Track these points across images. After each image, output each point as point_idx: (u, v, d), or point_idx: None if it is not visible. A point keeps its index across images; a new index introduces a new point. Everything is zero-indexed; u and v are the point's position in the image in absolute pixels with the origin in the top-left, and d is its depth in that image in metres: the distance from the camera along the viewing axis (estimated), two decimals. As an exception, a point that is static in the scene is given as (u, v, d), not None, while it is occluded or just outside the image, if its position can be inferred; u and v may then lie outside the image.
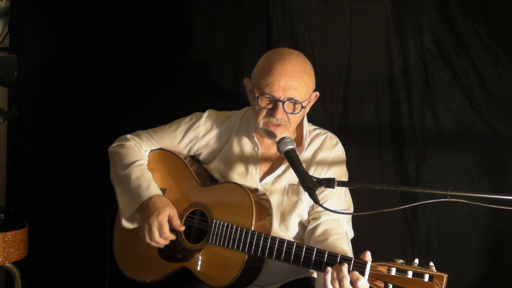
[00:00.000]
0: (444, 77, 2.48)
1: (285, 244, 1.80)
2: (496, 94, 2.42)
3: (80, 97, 2.84)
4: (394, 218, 2.52)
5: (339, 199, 2.02)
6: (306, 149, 2.06)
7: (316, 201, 1.71)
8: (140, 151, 2.16)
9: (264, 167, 2.09)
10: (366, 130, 2.55)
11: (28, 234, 2.21)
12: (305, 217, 2.02)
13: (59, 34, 2.83)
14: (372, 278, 1.63)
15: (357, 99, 2.57)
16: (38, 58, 2.82)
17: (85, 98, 2.83)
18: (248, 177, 2.06)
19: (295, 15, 2.60)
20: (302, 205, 2.01)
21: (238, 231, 1.88)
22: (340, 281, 1.63)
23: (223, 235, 1.91)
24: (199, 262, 1.96)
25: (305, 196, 2.00)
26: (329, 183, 1.72)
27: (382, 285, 1.62)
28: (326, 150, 2.07)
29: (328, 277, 1.66)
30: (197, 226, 2.02)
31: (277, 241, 1.82)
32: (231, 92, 2.70)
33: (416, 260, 1.60)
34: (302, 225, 2.04)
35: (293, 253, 1.78)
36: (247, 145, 2.10)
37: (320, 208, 1.96)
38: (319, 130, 2.13)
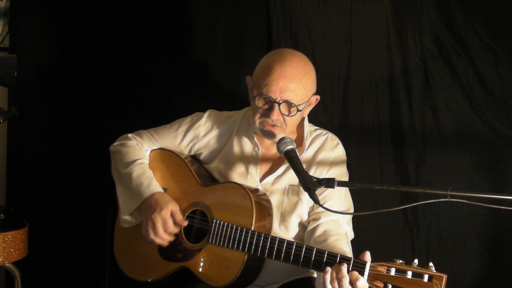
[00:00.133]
0: (444, 77, 2.48)
1: (285, 244, 1.80)
2: (496, 94, 2.42)
3: (80, 97, 2.84)
4: (394, 218, 2.52)
5: (339, 199, 2.02)
6: (306, 150, 2.06)
7: (316, 201, 1.71)
8: (141, 150, 2.16)
9: (265, 167, 2.09)
10: (366, 130, 2.55)
11: (28, 234, 2.21)
12: (305, 217, 2.02)
13: (59, 34, 2.84)
14: (372, 278, 1.63)
15: (357, 99, 2.56)
16: (38, 58, 2.82)
17: (85, 98, 2.84)
18: (248, 177, 2.06)
19: (295, 15, 2.60)
20: (302, 206, 2.01)
21: (238, 231, 1.88)
22: (339, 281, 1.63)
23: (223, 235, 1.91)
24: (199, 262, 1.96)
25: (305, 197, 2.00)
26: (329, 183, 1.72)
27: (381, 285, 1.62)
28: (326, 151, 2.06)
29: (328, 277, 1.66)
30: (197, 226, 2.02)
31: (276, 241, 1.82)
32: (231, 92, 2.70)
33: (416, 261, 1.60)
34: (302, 226, 2.04)
35: (292, 253, 1.78)
36: (247, 145, 2.10)
37: (320, 209, 1.97)
38: (320, 131, 2.13)
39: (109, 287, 2.35)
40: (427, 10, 2.48)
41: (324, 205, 1.85)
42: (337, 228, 1.95)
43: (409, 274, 1.58)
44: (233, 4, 2.69)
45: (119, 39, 2.79)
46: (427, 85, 2.49)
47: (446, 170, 2.48)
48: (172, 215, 1.96)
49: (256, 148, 2.08)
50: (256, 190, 2.01)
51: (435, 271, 1.56)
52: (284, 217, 2.01)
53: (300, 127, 2.09)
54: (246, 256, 1.87)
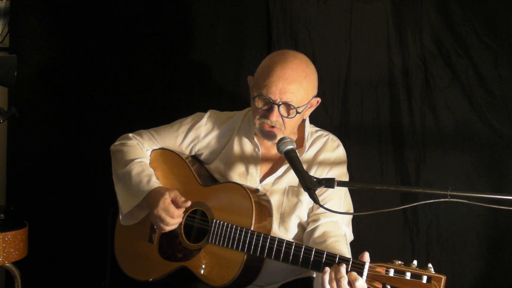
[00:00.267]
0: (444, 77, 2.48)
1: (284, 244, 1.80)
2: (496, 94, 2.42)
3: (80, 97, 2.84)
4: (394, 218, 2.52)
5: (339, 200, 2.02)
6: (307, 151, 2.06)
7: (316, 201, 1.71)
8: (142, 150, 2.17)
9: (265, 168, 2.09)
10: (366, 130, 2.55)
11: (28, 234, 2.22)
12: (304, 218, 2.02)
13: (59, 34, 2.84)
14: (370, 279, 1.63)
15: (357, 99, 2.56)
16: (38, 58, 2.83)
17: (85, 98, 2.84)
18: (248, 177, 2.06)
19: (295, 15, 2.60)
20: (302, 207, 2.01)
21: (238, 231, 1.88)
22: (338, 281, 1.63)
23: (223, 234, 1.91)
24: (199, 262, 1.96)
25: (305, 198, 2.00)
26: (329, 183, 1.72)
27: (380, 286, 1.62)
28: (327, 152, 2.06)
29: (326, 277, 1.66)
30: (197, 226, 2.02)
31: (276, 241, 1.82)
32: (231, 92, 2.70)
33: (415, 262, 1.60)
34: (302, 227, 2.04)
35: (292, 253, 1.78)
36: (247, 146, 2.10)
37: (319, 210, 1.97)
38: (321, 132, 2.12)
39: (109, 286, 2.35)
40: (427, 10, 2.48)
41: (325, 206, 1.86)
42: (336, 229, 1.95)
43: (408, 275, 1.57)
44: (233, 4, 2.70)
45: (119, 39, 2.79)
46: (427, 85, 2.49)
47: (446, 170, 2.48)
48: (173, 200, 1.96)
49: (256, 149, 2.08)
50: (257, 190, 2.01)
51: (434, 272, 1.56)
52: (283, 218, 2.01)
53: (301, 128, 2.09)
54: (245, 256, 1.87)
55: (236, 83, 2.69)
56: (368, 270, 1.64)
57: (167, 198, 1.95)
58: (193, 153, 2.19)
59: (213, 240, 1.93)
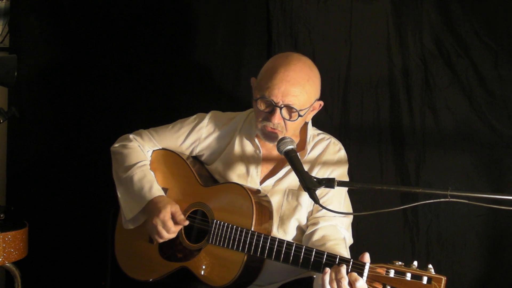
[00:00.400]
0: (444, 77, 2.48)
1: (285, 244, 1.80)
2: (496, 94, 2.42)
3: (80, 97, 2.84)
4: (394, 218, 2.52)
5: (338, 204, 2.02)
6: (308, 154, 2.05)
7: (316, 201, 1.71)
8: (142, 152, 2.16)
9: (265, 169, 2.09)
10: (366, 130, 2.55)
11: (28, 234, 2.22)
12: (303, 222, 2.02)
13: (59, 34, 2.84)
14: (371, 280, 1.63)
15: (357, 99, 2.56)
16: (38, 58, 2.83)
17: (85, 98, 2.84)
18: (248, 179, 2.06)
19: (295, 15, 2.60)
20: (301, 210, 2.01)
21: (238, 231, 1.88)
22: (339, 282, 1.63)
23: (223, 235, 1.91)
24: (199, 262, 1.96)
25: (304, 201, 2.00)
26: (329, 183, 1.72)
27: (380, 286, 1.61)
28: (328, 155, 2.06)
29: (327, 278, 1.66)
30: (198, 226, 2.02)
31: (276, 242, 1.82)
32: (231, 92, 2.70)
33: (415, 262, 1.60)
34: (300, 229, 2.04)
35: (292, 254, 1.78)
36: (249, 147, 2.10)
37: (318, 214, 1.98)
38: (322, 135, 2.12)
39: (110, 287, 2.35)
40: (427, 10, 2.48)
41: (324, 210, 1.87)
42: (335, 233, 1.95)
43: (408, 276, 1.57)
44: (233, 4, 2.69)
45: (119, 39, 2.79)
46: (427, 85, 2.49)
47: (446, 170, 2.48)
48: (172, 215, 1.96)
49: (257, 151, 2.08)
50: (258, 191, 2.00)
51: (434, 273, 1.55)
52: (282, 221, 2.02)
53: (304, 130, 2.09)
54: (245, 256, 1.87)
55: (236, 83, 2.69)
56: (369, 271, 1.64)
57: (168, 212, 1.95)
58: (194, 154, 2.19)
59: (213, 241, 1.93)
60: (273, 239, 1.83)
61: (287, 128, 1.93)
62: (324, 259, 1.72)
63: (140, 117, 2.73)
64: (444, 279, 1.54)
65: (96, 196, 2.74)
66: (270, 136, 1.95)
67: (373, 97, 2.55)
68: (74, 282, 2.82)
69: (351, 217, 2.05)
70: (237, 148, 2.10)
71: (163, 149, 2.20)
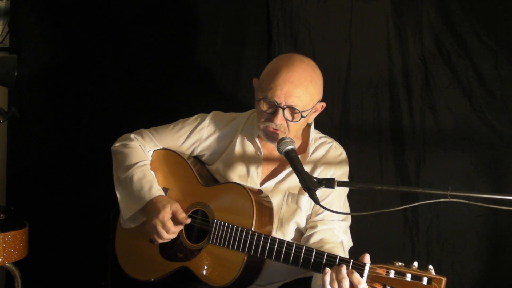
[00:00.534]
0: (444, 77, 2.48)
1: (285, 245, 1.80)
2: (496, 94, 2.42)
3: (80, 97, 2.84)
4: (394, 218, 2.52)
5: (338, 207, 2.02)
6: (310, 156, 2.05)
7: (316, 201, 1.71)
8: (143, 151, 2.16)
9: (266, 170, 2.09)
10: (366, 130, 2.55)
11: (28, 234, 2.22)
12: (302, 224, 2.02)
13: (59, 34, 2.84)
14: (371, 281, 1.63)
15: (357, 99, 2.56)
16: (38, 58, 2.83)
17: (85, 98, 2.84)
18: (249, 179, 2.06)
19: (295, 15, 2.60)
20: (300, 214, 2.01)
21: (239, 231, 1.88)
22: (340, 282, 1.63)
23: (223, 235, 1.91)
24: (200, 262, 1.96)
25: (304, 205, 2.00)
26: (329, 183, 1.72)
27: (380, 287, 1.61)
28: (330, 159, 2.06)
29: (327, 278, 1.65)
30: (198, 226, 2.02)
31: (276, 242, 1.82)
32: (231, 92, 2.70)
33: (415, 263, 1.59)
34: (299, 232, 2.04)
35: (292, 254, 1.78)
36: (250, 148, 2.10)
37: (317, 217, 1.99)
38: (324, 139, 2.12)
39: (110, 286, 2.35)
40: (427, 10, 2.48)
41: (323, 214, 1.89)
42: (332, 237, 1.95)
43: (409, 277, 1.57)
44: (233, 4, 2.69)
45: (119, 39, 2.79)
46: (427, 85, 2.49)
47: (446, 170, 2.48)
48: (174, 214, 1.96)
49: (258, 151, 2.08)
50: (259, 191, 2.00)
51: (434, 273, 1.55)
52: (281, 223, 2.02)
53: (306, 133, 2.09)
54: (246, 256, 1.87)
55: (236, 83, 2.69)
56: (369, 271, 1.63)
57: (167, 212, 1.95)
58: (195, 154, 2.19)
59: (214, 241, 1.93)
60: (273, 239, 1.83)
61: (290, 129, 1.93)
62: (324, 260, 1.72)
63: (140, 117, 2.73)
64: (444, 279, 1.53)
65: (96, 196, 2.74)
66: (272, 137, 1.95)
67: (373, 97, 2.55)
68: (74, 282, 2.82)
69: (349, 221, 2.05)
70: (238, 148, 2.10)
71: (164, 149, 2.20)
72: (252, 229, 1.87)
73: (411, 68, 2.51)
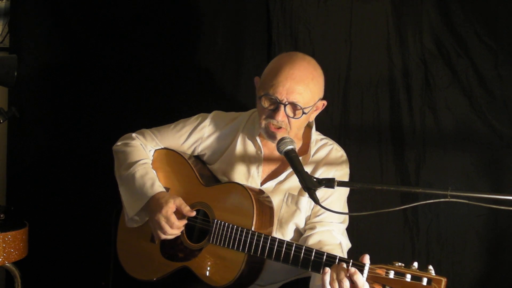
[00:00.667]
0: (444, 77, 2.48)
1: (285, 245, 1.80)
2: (496, 94, 2.42)
3: (81, 97, 2.84)
4: (394, 218, 2.52)
5: (339, 209, 2.01)
6: (311, 158, 2.05)
7: (316, 201, 1.71)
8: (145, 150, 2.17)
9: (267, 169, 2.09)
10: (366, 130, 2.55)
11: (28, 234, 2.22)
12: (301, 225, 2.02)
13: (59, 34, 2.83)
14: (370, 281, 1.63)
15: (357, 99, 2.56)
16: (38, 58, 2.83)
17: (86, 98, 2.84)
18: (249, 179, 2.06)
19: (295, 15, 2.60)
20: (300, 215, 2.01)
21: (239, 231, 1.88)
22: (340, 282, 1.63)
23: (223, 235, 1.91)
24: (200, 262, 1.96)
25: (303, 206, 2.01)
26: (329, 183, 1.72)
27: (380, 287, 1.61)
28: (331, 161, 2.06)
29: (327, 278, 1.65)
30: (199, 226, 2.02)
31: (276, 242, 1.82)
32: (231, 92, 2.70)
33: (415, 264, 1.59)
34: (298, 232, 2.04)
35: (292, 254, 1.78)
36: (250, 148, 2.10)
37: (316, 219, 1.99)
38: (326, 141, 2.12)
39: (111, 286, 2.35)
40: (427, 10, 2.48)
41: (322, 215, 1.91)
42: (331, 239, 1.95)
43: (408, 277, 1.57)
44: (233, 4, 2.69)
45: (119, 39, 2.79)
46: (427, 85, 2.49)
47: (446, 170, 2.48)
48: (177, 208, 1.96)
49: (259, 151, 2.08)
50: (260, 191, 2.00)
51: (434, 274, 1.55)
52: (281, 224, 2.02)
53: (307, 134, 2.10)
54: (246, 256, 1.87)
55: (236, 83, 2.69)
56: (368, 272, 1.63)
57: (171, 207, 1.95)
58: (195, 153, 2.19)
59: (214, 240, 1.93)
60: (273, 239, 1.83)
61: (291, 126, 1.93)
62: (324, 260, 1.72)
63: (140, 117, 2.73)
64: (444, 280, 1.53)
65: (96, 196, 2.74)
66: (273, 135, 1.95)
67: (373, 97, 2.55)
68: (74, 282, 2.83)
69: (346, 223, 2.06)
70: (239, 148, 2.10)
71: (165, 148, 2.20)
72: (252, 229, 1.87)
73: (411, 68, 2.51)
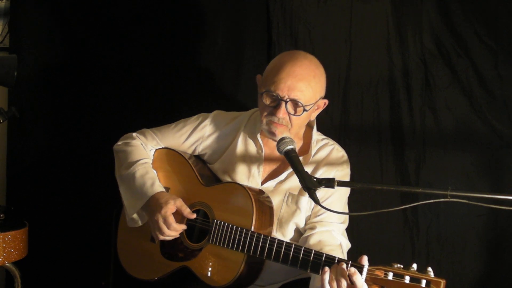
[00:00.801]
0: (444, 77, 2.48)
1: (284, 245, 1.80)
2: (496, 94, 2.42)
3: (80, 97, 2.84)
4: (394, 218, 2.52)
5: (339, 210, 2.01)
6: (312, 158, 2.05)
7: (316, 201, 1.71)
8: (145, 150, 2.17)
9: (268, 168, 2.09)
10: (366, 130, 2.55)
11: (28, 234, 2.22)
12: (301, 225, 2.02)
13: (59, 34, 2.84)
14: (370, 282, 1.62)
15: (357, 99, 2.56)
16: (38, 58, 2.83)
17: (85, 98, 2.84)
18: (250, 178, 2.06)
19: (295, 15, 2.60)
20: (300, 215, 2.01)
21: (238, 231, 1.88)
22: (339, 281, 1.63)
23: (223, 235, 1.91)
24: (200, 262, 1.96)
25: (303, 206, 2.01)
26: (329, 183, 1.71)
27: (378, 289, 1.62)
28: (332, 161, 2.06)
29: (326, 277, 1.65)
30: (199, 226, 2.02)
31: (275, 243, 1.82)
32: (231, 92, 2.70)
33: (414, 265, 1.59)
34: (298, 232, 2.04)
35: (291, 255, 1.78)
36: (251, 147, 2.10)
37: (316, 219, 1.99)
38: (327, 141, 2.12)
39: (111, 286, 2.35)
40: (427, 10, 2.48)
41: (322, 215, 1.91)
42: (331, 239, 1.95)
43: (407, 279, 1.57)
44: (233, 4, 2.69)
45: (119, 39, 2.79)
46: (427, 85, 2.49)
47: (446, 170, 2.48)
48: (178, 210, 1.96)
49: (259, 150, 2.08)
50: (260, 192, 2.00)
51: (433, 276, 1.55)
52: (281, 224, 2.02)
53: (308, 134, 2.09)
54: (245, 257, 1.87)
55: (236, 83, 2.69)
56: (367, 273, 1.63)
57: (170, 208, 1.95)
58: (196, 153, 2.19)
59: (214, 240, 1.93)
60: (273, 239, 1.83)
61: (292, 123, 1.93)
62: (323, 261, 1.72)
63: (140, 117, 2.73)
64: (443, 282, 1.53)
65: (95, 196, 2.74)
66: (273, 132, 1.95)
67: (373, 97, 2.55)
68: (74, 282, 2.83)
69: (346, 223, 2.06)
70: (239, 147, 2.10)
71: (165, 148, 2.20)
72: (252, 229, 1.87)
73: (411, 68, 2.51)
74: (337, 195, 2.01)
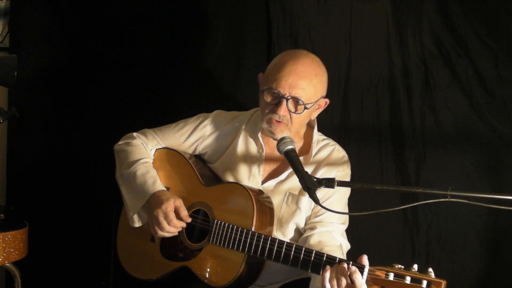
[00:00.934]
0: (444, 77, 2.48)
1: (284, 246, 1.80)
2: (496, 94, 2.42)
3: (80, 97, 2.84)
4: (394, 218, 2.52)
5: (339, 210, 2.01)
6: (313, 158, 2.05)
7: (316, 201, 1.71)
8: (146, 150, 2.17)
9: (268, 168, 2.09)
10: (366, 130, 2.55)
11: (28, 234, 2.22)
12: (302, 225, 2.03)
13: (59, 34, 2.84)
14: (370, 282, 1.63)
15: (357, 99, 2.56)
16: (38, 58, 2.83)
17: (85, 98, 2.84)
18: (250, 178, 2.06)
19: (295, 15, 2.60)
20: (300, 215, 2.01)
21: (239, 231, 1.88)
22: (339, 280, 1.63)
23: (223, 235, 1.91)
24: (200, 262, 1.96)
25: (303, 206, 2.01)
26: (329, 183, 1.72)
27: (379, 289, 1.62)
28: (332, 161, 2.06)
29: (327, 275, 1.66)
30: (199, 226, 2.02)
31: (276, 243, 1.82)
32: (231, 92, 2.70)
33: (415, 266, 1.59)
34: (299, 232, 2.04)
35: (291, 255, 1.78)
36: (252, 146, 2.10)
37: (316, 219, 1.99)
38: (327, 141, 2.12)
39: (111, 286, 2.35)
40: (427, 10, 2.48)
41: (322, 215, 1.90)
42: (331, 240, 1.96)
43: (408, 280, 1.57)
44: (233, 4, 2.69)
45: (119, 39, 2.79)
46: (427, 85, 2.49)
47: (446, 170, 2.48)
48: (176, 210, 1.96)
49: (260, 150, 2.08)
50: (260, 192, 2.00)
51: (434, 276, 1.55)
52: (281, 223, 2.02)
53: (309, 134, 2.09)
54: (245, 257, 1.87)
55: (236, 83, 2.69)
56: (368, 274, 1.63)
57: (170, 205, 1.94)
58: (197, 153, 2.19)
59: (214, 240, 1.93)
60: (273, 240, 1.83)
61: (293, 121, 1.93)
62: (324, 261, 1.72)
63: (140, 117, 2.73)
64: (443, 283, 1.53)
65: (95, 196, 2.74)
66: (274, 129, 1.95)
67: (373, 97, 2.55)
68: (74, 282, 2.83)
69: (346, 224, 2.06)
70: (240, 146, 2.10)
71: (166, 148, 2.20)
72: (252, 229, 1.87)
73: (411, 68, 2.51)
74: (337, 196, 2.01)
